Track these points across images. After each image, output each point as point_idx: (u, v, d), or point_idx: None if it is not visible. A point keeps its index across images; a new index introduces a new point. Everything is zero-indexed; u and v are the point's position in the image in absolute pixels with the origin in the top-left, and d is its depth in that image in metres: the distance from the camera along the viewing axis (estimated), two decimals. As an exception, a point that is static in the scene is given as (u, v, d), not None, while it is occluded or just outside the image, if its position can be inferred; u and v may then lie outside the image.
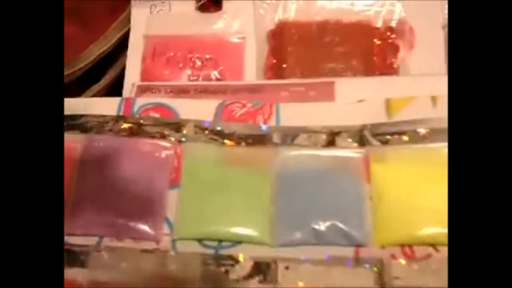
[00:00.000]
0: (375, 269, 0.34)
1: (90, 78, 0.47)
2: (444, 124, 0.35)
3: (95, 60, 0.46)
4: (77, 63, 0.45)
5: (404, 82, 0.42)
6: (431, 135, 0.37)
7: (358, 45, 0.45)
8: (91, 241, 0.35)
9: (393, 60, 0.45)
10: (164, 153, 0.38)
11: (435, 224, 0.34)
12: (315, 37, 0.46)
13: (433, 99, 0.38)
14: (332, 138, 0.38)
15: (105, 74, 0.47)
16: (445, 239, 0.33)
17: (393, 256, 0.34)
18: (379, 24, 0.46)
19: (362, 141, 0.38)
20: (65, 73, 0.44)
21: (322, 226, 0.35)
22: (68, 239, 0.35)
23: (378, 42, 0.45)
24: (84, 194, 0.36)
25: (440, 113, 0.37)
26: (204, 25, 0.47)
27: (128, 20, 0.48)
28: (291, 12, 0.47)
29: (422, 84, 0.40)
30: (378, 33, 0.46)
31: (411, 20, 0.46)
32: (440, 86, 0.38)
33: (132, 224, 0.35)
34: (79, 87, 0.46)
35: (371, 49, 0.45)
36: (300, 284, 0.33)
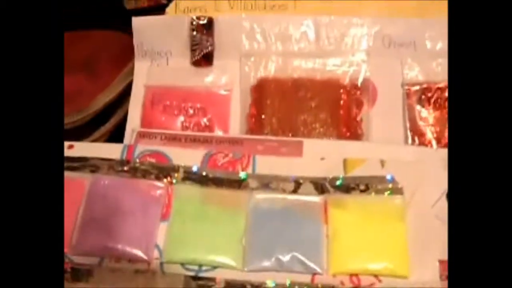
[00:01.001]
0: (327, 293, 0.43)
1: (97, 122, 0.56)
2: (387, 184, 0.45)
3: (102, 107, 0.55)
4: (86, 110, 0.54)
5: (359, 146, 0.51)
6: (377, 190, 0.46)
7: (327, 100, 0.54)
8: (94, 260, 0.45)
9: (357, 113, 0.54)
10: (157, 192, 0.47)
11: (378, 259, 0.44)
12: (290, 92, 0.54)
13: (382, 162, 0.47)
14: (297, 186, 0.47)
15: (110, 118, 0.56)
16: (386, 271, 0.43)
17: (342, 283, 0.43)
18: (346, 81, 0.55)
19: (322, 190, 0.47)
20: (76, 118, 0.53)
21: (285, 257, 0.44)
22: (75, 258, 0.45)
23: (345, 98, 0.54)
24: (90, 222, 0.46)
25: (386, 173, 0.46)
26: (196, 78, 0.56)
27: (131, 72, 0.57)
28: (271, 70, 0.55)
29: (374, 150, 0.49)
30: (345, 89, 0.54)
31: (374, 79, 0.55)
32: (389, 152, 0.47)
33: (128, 248, 0.45)
34: (88, 130, 0.55)
35: (338, 104, 0.54)
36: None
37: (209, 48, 0.56)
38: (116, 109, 0.57)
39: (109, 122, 0.56)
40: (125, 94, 0.57)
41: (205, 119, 0.55)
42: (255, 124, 0.54)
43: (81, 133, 0.54)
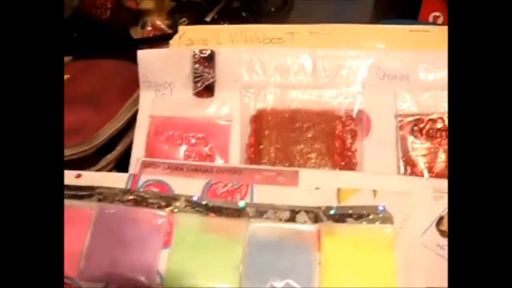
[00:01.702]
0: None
1: (103, 151, 0.60)
2: (379, 214, 0.49)
3: (108, 137, 0.59)
4: (93, 141, 0.58)
5: (353, 176, 0.54)
6: (369, 219, 0.50)
7: (323, 131, 0.57)
8: (99, 285, 0.48)
9: (352, 143, 0.57)
10: (160, 221, 0.51)
11: (368, 286, 0.47)
12: (287, 123, 0.58)
13: (374, 192, 0.50)
14: (293, 215, 0.50)
15: (116, 147, 0.60)
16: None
17: (333, 309, 0.47)
18: (341, 113, 0.58)
19: (316, 219, 0.50)
20: (82, 149, 0.57)
21: (279, 284, 0.47)
22: (82, 283, 0.48)
23: (340, 128, 0.58)
24: (96, 250, 0.49)
25: (378, 203, 0.50)
26: (198, 109, 0.60)
27: (136, 102, 0.61)
28: (270, 101, 0.59)
29: (367, 179, 0.52)
30: (340, 120, 0.58)
31: (368, 110, 0.58)
32: (381, 181, 0.51)
33: (131, 275, 0.48)
34: (94, 159, 0.59)
35: (333, 134, 0.57)
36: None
37: (211, 80, 0.60)
38: (121, 138, 0.61)
39: (115, 151, 0.60)
40: (130, 123, 0.60)
41: (206, 149, 0.58)
42: (254, 153, 0.58)
43: (88, 162, 0.58)
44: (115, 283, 0.48)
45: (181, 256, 0.49)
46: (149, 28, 0.79)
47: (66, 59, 0.73)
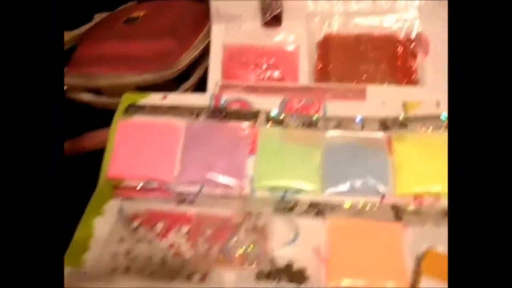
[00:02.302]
0: (395, 211, 0.51)
1: (182, 77, 0.65)
2: (442, 122, 0.54)
3: (186, 65, 0.65)
4: (174, 67, 0.63)
5: (416, 91, 0.60)
6: (434, 127, 0.55)
7: (386, 53, 0.63)
8: (194, 188, 0.54)
9: (412, 63, 0.62)
10: (244, 132, 0.57)
11: (437, 182, 0.52)
12: (352, 46, 0.63)
13: (437, 103, 0.56)
14: (364, 125, 0.56)
15: (193, 74, 0.66)
16: (444, 191, 0.51)
17: (407, 203, 0.52)
18: (401, 36, 0.63)
19: (386, 128, 0.56)
20: (165, 74, 0.63)
21: (358, 182, 0.53)
22: (177, 187, 0.54)
23: (401, 50, 0.63)
24: (190, 158, 0.55)
25: (441, 112, 0.55)
26: (267, 38, 0.65)
27: (208, 35, 0.66)
28: (335, 28, 0.64)
29: (429, 94, 0.57)
30: (401, 43, 0.63)
31: (426, 33, 0.63)
32: (442, 95, 0.56)
33: (223, 178, 0.54)
34: (174, 85, 0.65)
35: (395, 55, 0.63)
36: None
37: (278, 10, 0.65)
38: (196, 67, 0.66)
39: (192, 78, 0.65)
40: (205, 53, 0.66)
41: (277, 73, 0.64)
42: (322, 75, 0.63)
43: (169, 88, 0.63)
44: (209, 185, 0.54)
45: (266, 162, 0.55)
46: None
47: (131, 3, 0.79)
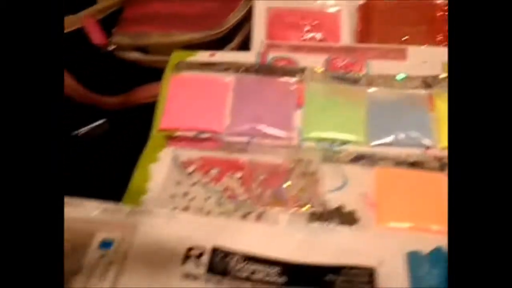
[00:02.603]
0: (439, 162, 0.54)
1: (227, 38, 0.68)
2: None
3: (231, 25, 0.67)
4: (220, 28, 0.66)
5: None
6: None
7: (425, 16, 0.65)
8: (245, 139, 0.56)
9: (451, 27, 0.65)
10: (291, 87, 0.59)
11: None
12: (393, 9, 0.66)
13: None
14: (406, 82, 0.58)
15: (236, 37, 0.68)
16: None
17: (450, 155, 0.54)
18: (439, 1, 0.66)
19: (427, 85, 0.58)
20: (211, 34, 0.66)
21: (401, 135, 0.55)
22: (230, 138, 0.56)
23: (439, 14, 0.65)
24: (240, 110, 0.58)
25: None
26: (309, 1, 0.68)
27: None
28: (375, -9, 0.67)
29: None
30: (439, 7, 0.65)
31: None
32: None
33: (273, 131, 0.56)
34: (220, 44, 0.67)
35: (434, 18, 0.65)
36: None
37: (321, -27, 0.67)
38: (241, 28, 0.68)
39: (236, 39, 0.68)
40: (248, 16, 0.68)
41: (319, 34, 0.66)
42: (363, 37, 0.65)
43: (213, 48, 0.65)
44: (258, 136, 0.56)
45: (313, 115, 0.57)
46: None
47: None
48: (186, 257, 0.45)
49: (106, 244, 0.46)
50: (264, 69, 0.60)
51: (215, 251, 0.45)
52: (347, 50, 0.63)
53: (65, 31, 0.68)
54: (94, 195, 0.50)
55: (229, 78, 0.60)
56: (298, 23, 0.67)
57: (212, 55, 0.62)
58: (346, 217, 0.49)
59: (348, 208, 0.50)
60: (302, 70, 0.60)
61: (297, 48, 0.63)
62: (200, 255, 0.45)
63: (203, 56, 0.62)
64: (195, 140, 0.57)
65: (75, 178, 0.55)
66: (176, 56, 0.63)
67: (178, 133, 0.57)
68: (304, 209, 0.50)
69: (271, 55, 0.61)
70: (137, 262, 0.45)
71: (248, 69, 0.61)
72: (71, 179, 0.56)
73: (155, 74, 0.63)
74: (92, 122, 0.62)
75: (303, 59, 0.61)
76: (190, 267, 0.44)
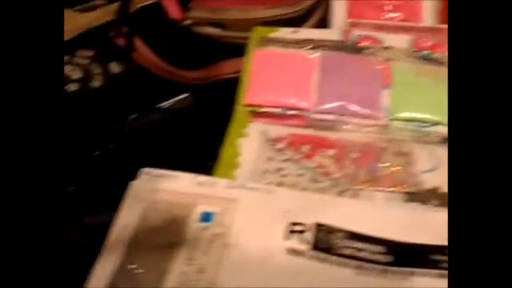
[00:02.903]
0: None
1: (306, 16, 0.67)
2: None
3: (311, 3, 0.66)
4: (300, 5, 0.65)
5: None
6: None
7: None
8: (333, 117, 0.56)
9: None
10: (378, 66, 0.58)
11: None
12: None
13: None
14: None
15: (314, 14, 0.67)
16: None
17: None
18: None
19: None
20: (291, 10, 0.65)
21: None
22: (315, 115, 0.56)
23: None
24: (327, 87, 0.57)
25: None
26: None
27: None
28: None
29: None
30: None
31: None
32: None
33: (360, 108, 0.56)
34: (296, 24, 0.66)
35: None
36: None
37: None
38: (318, 7, 0.68)
39: (314, 17, 0.67)
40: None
41: (400, 15, 0.65)
42: (445, 19, 0.64)
43: (291, 25, 0.65)
44: (346, 114, 0.56)
45: (401, 94, 0.57)
46: None
47: None
48: (290, 232, 0.44)
49: (206, 217, 0.46)
50: (349, 47, 0.60)
51: (319, 227, 0.45)
52: (430, 30, 0.62)
53: (142, 5, 0.67)
54: (180, 168, 0.49)
55: (314, 55, 0.59)
56: (380, 2, 0.66)
57: (295, 32, 0.61)
58: (443, 198, 0.49)
59: (445, 189, 0.49)
60: (387, 49, 0.59)
61: (381, 27, 0.62)
62: (302, 231, 0.45)
63: (286, 32, 0.62)
64: (282, 117, 0.56)
65: (160, 150, 0.55)
66: (258, 31, 0.62)
67: (264, 109, 0.57)
68: (399, 188, 0.49)
69: (355, 34, 0.61)
70: (240, 236, 0.45)
71: (332, 46, 0.60)
72: (157, 152, 0.56)
73: (232, 49, 0.63)
74: (174, 96, 0.61)
75: (388, 39, 0.60)
76: (293, 242, 0.44)
